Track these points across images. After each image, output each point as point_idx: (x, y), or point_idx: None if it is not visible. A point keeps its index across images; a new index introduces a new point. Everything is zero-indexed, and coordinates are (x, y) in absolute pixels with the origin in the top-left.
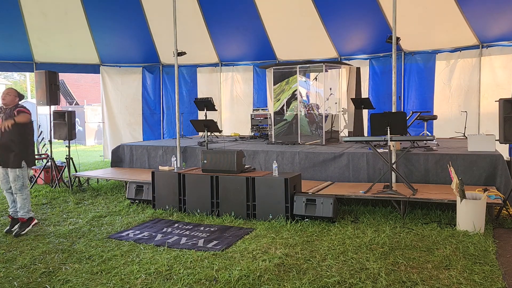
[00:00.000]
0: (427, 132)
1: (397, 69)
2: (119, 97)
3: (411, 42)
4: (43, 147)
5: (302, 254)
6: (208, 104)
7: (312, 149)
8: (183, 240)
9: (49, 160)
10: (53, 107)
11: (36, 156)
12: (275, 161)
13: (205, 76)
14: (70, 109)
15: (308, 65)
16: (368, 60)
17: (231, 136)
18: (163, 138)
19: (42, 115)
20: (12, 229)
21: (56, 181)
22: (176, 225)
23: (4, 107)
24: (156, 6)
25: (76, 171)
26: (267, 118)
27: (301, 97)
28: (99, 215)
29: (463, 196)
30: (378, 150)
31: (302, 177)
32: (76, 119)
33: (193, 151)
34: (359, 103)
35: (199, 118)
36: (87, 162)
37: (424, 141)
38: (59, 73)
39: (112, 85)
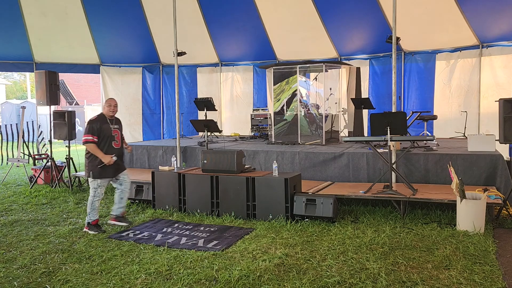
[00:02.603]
0: (427, 132)
1: (397, 69)
2: (119, 97)
3: (411, 42)
4: (43, 147)
5: (302, 254)
6: (208, 104)
7: (312, 149)
8: (183, 240)
9: (49, 160)
10: (53, 107)
11: (36, 156)
12: (275, 161)
13: (205, 76)
14: (70, 109)
15: (308, 65)
16: (368, 60)
17: (231, 136)
18: (163, 138)
19: (42, 115)
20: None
21: (56, 181)
22: (176, 225)
23: (108, 117)
24: (156, 6)
25: (76, 171)
26: (267, 118)
27: (301, 97)
28: (99, 215)
29: (463, 196)
30: (378, 150)
31: (302, 177)
32: (76, 119)
33: (193, 151)
34: (359, 103)
35: (199, 118)
36: None
37: (424, 141)
38: (59, 73)
39: (112, 85)
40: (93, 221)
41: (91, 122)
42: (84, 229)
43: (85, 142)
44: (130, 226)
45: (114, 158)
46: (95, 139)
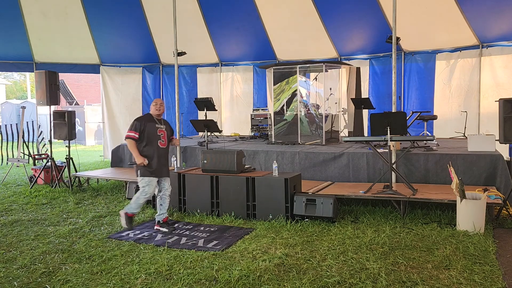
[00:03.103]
0: (427, 132)
1: (397, 69)
2: (119, 97)
3: (411, 42)
4: (43, 147)
5: (302, 254)
6: (208, 104)
7: (312, 149)
8: (183, 240)
9: (49, 160)
10: (53, 107)
11: (36, 156)
12: (275, 161)
13: (205, 76)
14: (70, 109)
15: (308, 65)
16: (368, 60)
17: (231, 136)
18: None
19: (42, 115)
20: (173, 226)
21: (56, 181)
22: (176, 225)
23: (155, 117)
24: (156, 6)
25: (76, 171)
26: (267, 118)
27: (301, 97)
28: (99, 215)
29: (463, 196)
30: (378, 150)
31: (302, 177)
32: (76, 119)
33: (193, 151)
34: (359, 103)
35: (199, 118)
36: (87, 162)
37: (424, 141)
38: (59, 73)
39: (112, 85)
40: (130, 213)
41: (136, 119)
42: (120, 212)
43: (127, 138)
44: (173, 231)
45: (146, 162)
46: (136, 136)
